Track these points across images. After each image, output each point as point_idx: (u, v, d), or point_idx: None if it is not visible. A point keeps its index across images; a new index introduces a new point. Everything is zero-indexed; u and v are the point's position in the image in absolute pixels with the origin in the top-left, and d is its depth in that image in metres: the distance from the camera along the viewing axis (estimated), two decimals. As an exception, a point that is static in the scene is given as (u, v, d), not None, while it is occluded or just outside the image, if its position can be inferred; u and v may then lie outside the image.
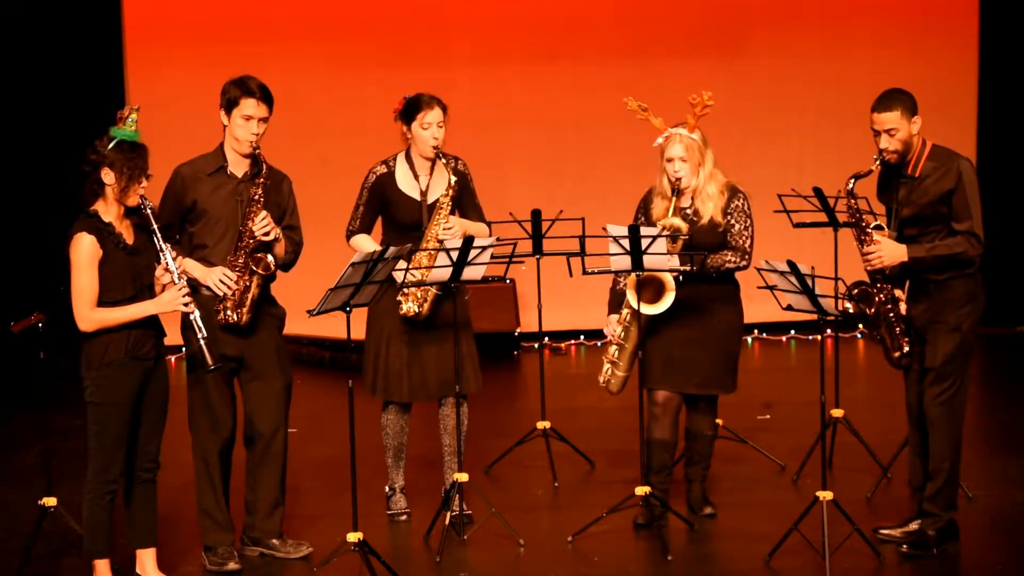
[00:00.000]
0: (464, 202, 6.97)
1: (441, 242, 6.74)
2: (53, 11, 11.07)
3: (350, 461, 6.20)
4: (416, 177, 6.90)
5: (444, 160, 6.82)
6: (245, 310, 6.31)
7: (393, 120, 6.94)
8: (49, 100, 10.98)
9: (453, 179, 6.80)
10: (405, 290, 6.78)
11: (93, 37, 11.17)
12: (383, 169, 6.94)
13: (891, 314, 6.38)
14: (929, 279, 6.32)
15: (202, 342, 5.90)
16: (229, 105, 6.33)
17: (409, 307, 6.80)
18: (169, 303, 5.86)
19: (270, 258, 6.31)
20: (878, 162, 6.33)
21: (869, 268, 6.37)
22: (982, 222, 6.27)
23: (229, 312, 6.28)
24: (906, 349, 6.40)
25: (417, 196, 6.88)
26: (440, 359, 6.90)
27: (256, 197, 6.30)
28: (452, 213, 6.87)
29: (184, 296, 5.85)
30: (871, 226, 6.41)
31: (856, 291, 6.38)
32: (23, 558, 6.49)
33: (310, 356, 11.06)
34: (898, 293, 6.44)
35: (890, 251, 6.32)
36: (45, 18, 11.06)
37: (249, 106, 6.31)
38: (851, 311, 6.21)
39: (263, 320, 6.41)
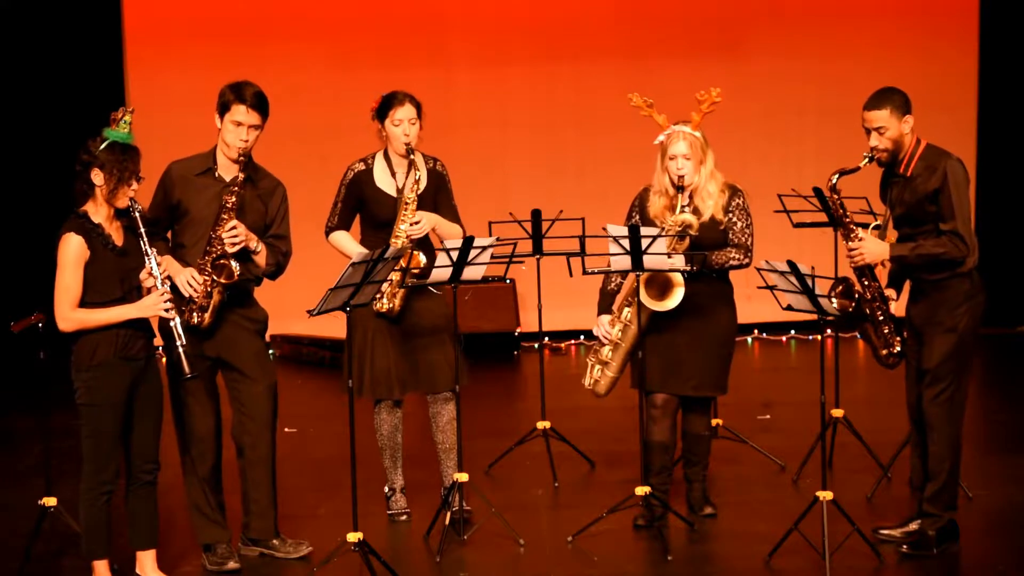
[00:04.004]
0: (440, 202, 6.96)
1: (408, 238, 6.77)
2: (53, 11, 11.08)
3: (350, 461, 6.19)
4: (393, 174, 6.91)
5: (418, 159, 6.81)
6: (207, 315, 6.28)
7: (370, 119, 6.94)
8: (49, 100, 10.99)
9: (418, 174, 6.80)
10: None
11: (93, 37, 11.18)
12: (361, 166, 6.95)
13: (879, 312, 6.38)
14: (925, 279, 6.32)
15: (180, 350, 5.87)
16: (222, 109, 6.31)
17: (382, 304, 6.81)
18: (149, 308, 5.85)
19: (235, 265, 6.22)
20: (867, 160, 6.32)
21: (852, 265, 6.38)
22: (971, 223, 6.24)
23: (193, 313, 6.27)
24: (896, 348, 6.39)
25: (393, 193, 6.88)
26: (426, 354, 6.89)
27: (229, 205, 6.26)
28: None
29: (165, 302, 5.84)
30: (872, 225, 6.42)
31: (840, 287, 6.38)
32: (23, 558, 6.49)
33: (310, 356, 11.05)
34: (889, 292, 6.43)
35: (871, 248, 6.31)
36: (45, 18, 11.07)
37: (239, 112, 6.28)
38: (836, 306, 6.20)
39: (239, 324, 6.39)
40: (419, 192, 6.83)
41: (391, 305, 6.82)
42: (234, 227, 6.23)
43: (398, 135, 6.82)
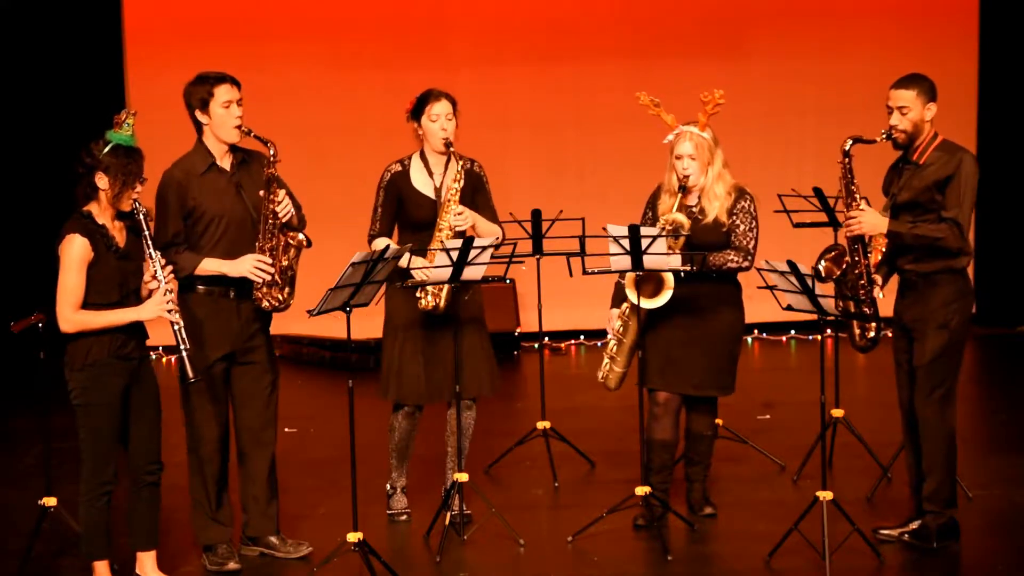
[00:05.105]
0: (478, 203, 6.90)
1: (453, 229, 6.72)
2: (53, 12, 11.07)
3: (350, 461, 6.19)
4: (431, 175, 6.86)
5: (458, 157, 6.75)
6: (288, 290, 6.32)
7: (406, 120, 6.89)
8: (49, 101, 10.98)
9: (459, 166, 6.73)
10: (420, 287, 6.75)
11: (93, 37, 11.18)
12: (398, 168, 6.89)
13: (862, 291, 6.37)
14: (917, 273, 6.32)
15: (184, 354, 5.85)
16: (204, 103, 6.31)
17: (428, 301, 6.76)
18: (152, 311, 5.84)
19: (301, 235, 6.31)
20: (884, 136, 6.34)
21: (848, 233, 6.37)
22: (970, 219, 6.26)
23: (270, 299, 6.28)
24: (871, 333, 6.41)
25: (431, 194, 6.83)
26: (457, 361, 6.83)
27: (271, 177, 6.26)
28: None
29: (168, 304, 5.83)
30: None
31: (833, 253, 6.38)
32: (23, 558, 6.49)
33: (310, 356, 11.06)
34: (876, 278, 6.43)
35: (870, 220, 6.31)
36: (45, 19, 11.06)
37: (224, 92, 6.29)
38: (821, 273, 6.21)
39: (250, 319, 6.40)
40: (461, 181, 6.75)
41: (436, 302, 6.77)
42: (284, 196, 6.28)
43: (436, 131, 6.76)
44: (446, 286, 6.71)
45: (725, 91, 6.75)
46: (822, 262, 6.30)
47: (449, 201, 6.74)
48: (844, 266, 6.34)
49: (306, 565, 6.48)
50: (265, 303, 6.30)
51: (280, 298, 6.31)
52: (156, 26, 11.32)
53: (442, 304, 6.75)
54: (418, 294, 6.74)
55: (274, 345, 6.63)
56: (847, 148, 6.38)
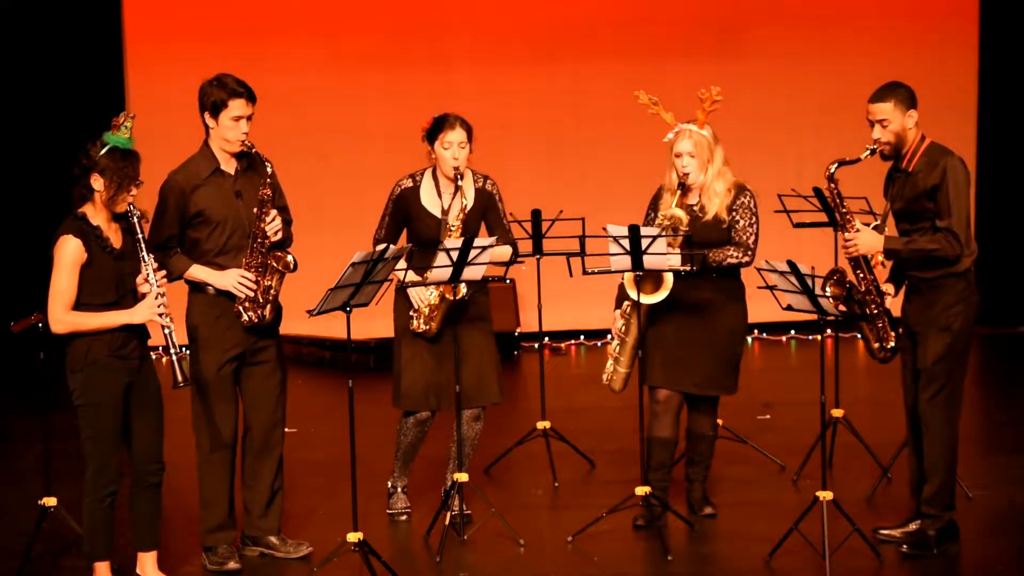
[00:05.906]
0: (491, 221, 6.91)
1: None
2: (53, 12, 11.07)
3: (350, 461, 6.20)
4: (440, 195, 6.85)
5: (467, 179, 6.73)
6: (268, 308, 6.32)
7: (421, 140, 6.88)
8: (49, 101, 10.98)
9: (465, 202, 6.75)
10: (415, 307, 6.77)
11: (93, 37, 11.18)
12: (409, 183, 6.88)
13: (872, 305, 6.37)
14: (920, 278, 6.32)
15: (174, 357, 5.83)
16: (215, 108, 6.28)
17: (419, 324, 6.78)
18: (143, 314, 5.83)
19: (289, 257, 6.31)
20: (868, 152, 6.33)
21: (847, 256, 6.38)
22: (967, 223, 6.23)
23: (251, 313, 6.29)
24: (890, 343, 6.40)
25: (438, 213, 6.82)
26: (463, 367, 6.80)
27: (266, 199, 6.29)
28: (475, 232, 6.81)
29: (159, 308, 5.83)
30: (872, 226, 6.42)
31: (834, 277, 6.38)
32: (23, 558, 6.49)
33: (310, 356, 11.06)
34: (887, 287, 6.43)
35: (866, 240, 6.31)
36: (45, 19, 11.06)
37: (237, 107, 6.27)
38: (828, 295, 6.21)
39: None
40: (464, 216, 6.75)
41: (427, 327, 6.78)
42: (275, 218, 6.29)
43: (447, 158, 6.74)
44: (439, 312, 6.74)
45: (725, 91, 6.75)
46: (827, 290, 6.28)
47: (451, 233, 6.75)
48: (848, 286, 6.34)
49: (306, 565, 6.48)
50: (245, 317, 6.30)
51: (260, 314, 6.31)
52: (156, 26, 11.32)
53: (434, 328, 6.77)
54: (411, 313, 6.77)
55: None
56: (831, 173, 6.37)
